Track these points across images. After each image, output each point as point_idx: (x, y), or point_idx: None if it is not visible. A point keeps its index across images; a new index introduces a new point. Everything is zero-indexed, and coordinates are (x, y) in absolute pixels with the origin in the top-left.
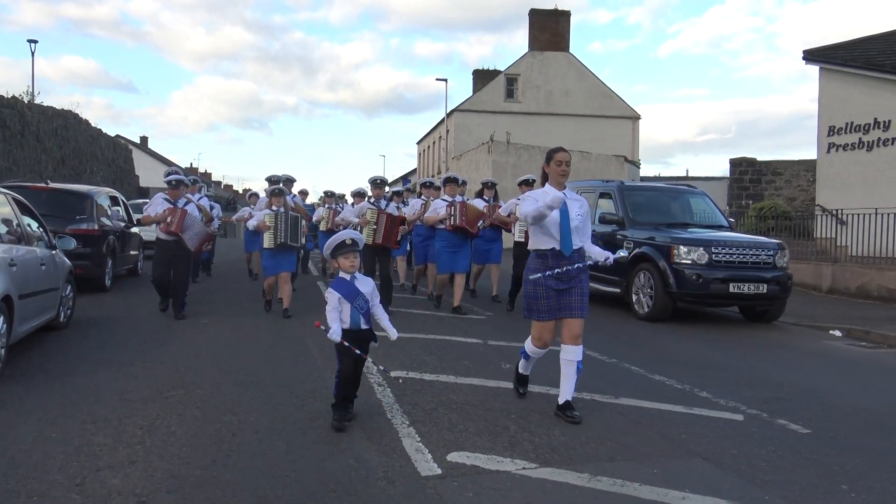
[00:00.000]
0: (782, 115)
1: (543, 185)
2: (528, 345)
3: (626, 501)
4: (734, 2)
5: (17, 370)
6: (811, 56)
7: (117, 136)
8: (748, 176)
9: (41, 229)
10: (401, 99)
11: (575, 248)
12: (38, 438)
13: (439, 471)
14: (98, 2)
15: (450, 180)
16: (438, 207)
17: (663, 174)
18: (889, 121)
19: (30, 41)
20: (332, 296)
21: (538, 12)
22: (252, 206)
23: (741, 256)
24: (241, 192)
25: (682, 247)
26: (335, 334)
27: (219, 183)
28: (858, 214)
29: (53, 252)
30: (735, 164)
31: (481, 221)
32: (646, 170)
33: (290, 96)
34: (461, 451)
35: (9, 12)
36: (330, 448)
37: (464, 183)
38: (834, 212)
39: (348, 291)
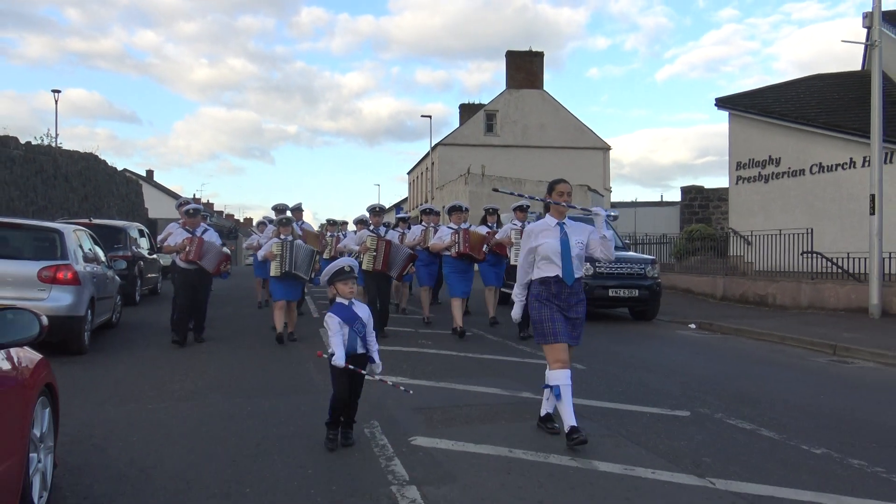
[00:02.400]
0: None
1: (545, 215)
2: (552, 374)
3: (449, 392)
4: (730, 26)
5: (97, 348)
6: (721, 103)
7: (125, 170)
8: (697, 202)
9: (103, 254)
10: (402, 126)
11: (576, 276)
12: (127, 374)
13: None
14: (103, 35)
15: (455, 209)
16: (444, 235)
17: (663, 198)
18: (780, 157)
19: (54, 91)
20: (332, 320)
21: (514, 53)
22: (260, 234)
23: (619, 269)
24: (242, 220)
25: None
26: (339, 359)
27: (220, 212)
28: (757, 235)
29: (109, 271)
30: (686, 191)
31: (486, 246)
32: (642, 193)
33: (291, 125)
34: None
35: (15, 46)
36: (292, 373)
37: (466, 210)
38: (740, 233)
39: (347, 316)
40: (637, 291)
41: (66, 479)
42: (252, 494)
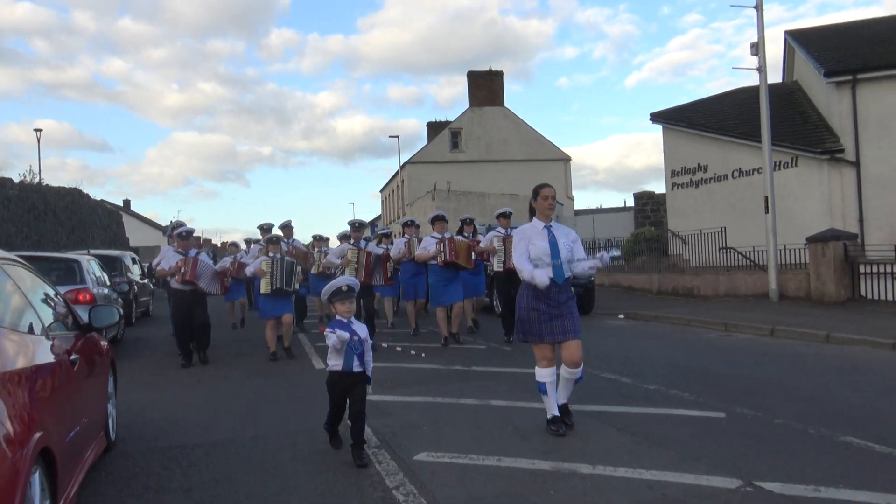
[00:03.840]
0: None
1: (531, 219)
2: (538, 371)
3: (398, 369)
4: (695, 31)
5: None
6: (655, 117)
7: (102, 200)
8: (649, 206)
9: (108, 279)
10: (376, 143)
11: (566, 276)
12: (140, 374)
13: None
14: (70, 65)
15: (438, 219)
16: (429, 245)
17: (626, 203)
18: (707, 165)
19: (36, 130)
20: (332, 334)
21: (475, 73)
22: (231, 256)
23: None
24: (219, 245)
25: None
26: (343, 333)
27: (198, 238)
28: (687, 235)
29: (114, 293)
30: (638, 197)
31: (474, 254)
32: (616, 199)
33: (265, 147)
34: None
35: None
36: (282, 364)
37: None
38: (677, 234)
39: (345, 333)
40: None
41: (120, 430)
42: (251, 430)
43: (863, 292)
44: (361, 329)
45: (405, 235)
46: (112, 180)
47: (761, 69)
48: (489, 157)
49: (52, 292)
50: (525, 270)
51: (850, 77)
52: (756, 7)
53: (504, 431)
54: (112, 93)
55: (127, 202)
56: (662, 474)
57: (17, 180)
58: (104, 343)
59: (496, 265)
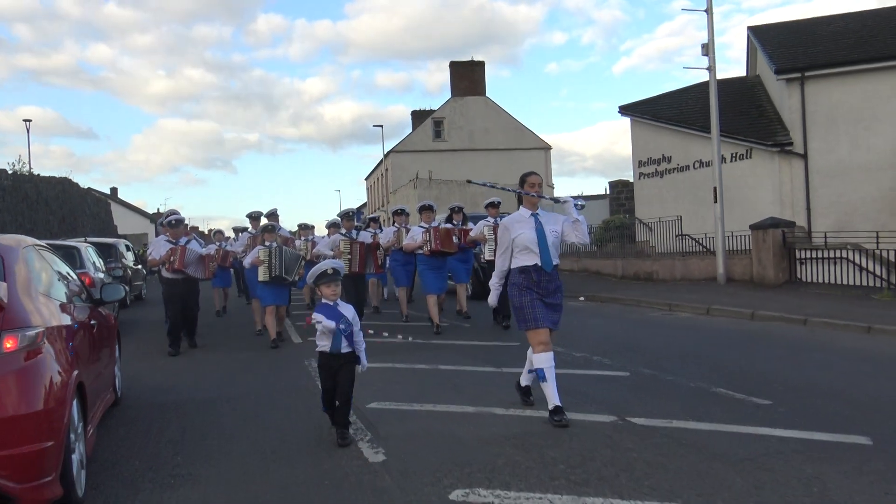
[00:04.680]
0: None
1: (518, 207)
2: (536, 357)
3: (370, 343)
4: (683, 18)
5: None
6: (624, 110)
7: (90, 188)
8: (623, 194)
9: (103, 264)
10: (364, 130)
11: (554, 263)
12: (136, 350)
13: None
14: (55, 51)
15: (425, 208)
16: (416, 235)
17: (606, 191)
18: (671, 156)
19: (25, 121)
20: (319, 317)
21: (457, 63)
22: (216, 243)
23: None
24: (206, 232)
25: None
26: (329, 322)
27: (187, 226)
28: (653, 222)
29: (108, 277)
30: (613, 185)
31: (456, 238)
32: (598, 185)
33: (252, 133)
34: None
35: None
36: (266, 341)
37: (435, 209)
38: (643, 221)
39: (332, 316)
40: None
41: (123, 390)
42: (236, 389)
43: (799, 275)
44: (348, 310)
45: (395, 225)
46: (98, 168)
47: (711, 69)
48: (471, 146)
49: (70, 272)
50: (494, 278)
51: (798, 74)
52: (707, 10)
53: (444, 387)
54: (97, 79)
55: (114, 190)
56: None
57: (3, 168)
58: (110, 314)
59: (487, 253)
